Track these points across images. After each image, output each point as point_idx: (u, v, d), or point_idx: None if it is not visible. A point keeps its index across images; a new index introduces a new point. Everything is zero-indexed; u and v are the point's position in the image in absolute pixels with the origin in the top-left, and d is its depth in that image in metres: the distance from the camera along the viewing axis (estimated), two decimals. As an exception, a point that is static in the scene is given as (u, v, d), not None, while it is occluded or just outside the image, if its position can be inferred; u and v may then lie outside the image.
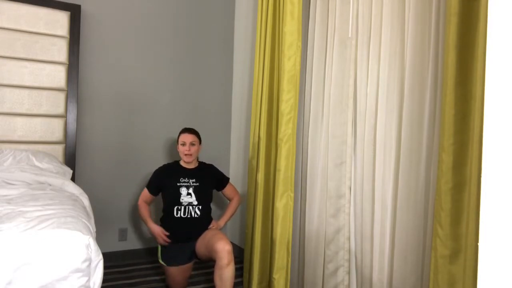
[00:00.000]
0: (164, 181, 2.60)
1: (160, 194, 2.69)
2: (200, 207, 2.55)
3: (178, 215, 2.52)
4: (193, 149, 2.59)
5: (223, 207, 3.50)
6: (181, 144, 2.60)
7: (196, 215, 2.53)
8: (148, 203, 2.70)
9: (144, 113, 3.26)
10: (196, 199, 2.55)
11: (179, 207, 2.52)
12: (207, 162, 2.88)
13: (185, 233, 2.54)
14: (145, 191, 2.68)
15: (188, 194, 2.54)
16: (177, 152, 2.68)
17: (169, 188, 2.57)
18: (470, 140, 1.52)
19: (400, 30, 1.97)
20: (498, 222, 0.64)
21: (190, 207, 2.53)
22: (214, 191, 2.78)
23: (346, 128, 2.31)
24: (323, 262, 2.39)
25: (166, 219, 2.59)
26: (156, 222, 2.66)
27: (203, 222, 2.58)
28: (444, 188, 1.57)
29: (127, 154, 3.20)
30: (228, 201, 2.83)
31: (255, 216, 2.65)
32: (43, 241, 1.39)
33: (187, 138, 2.59)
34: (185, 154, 2.58)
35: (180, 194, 2.53)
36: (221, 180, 2.75)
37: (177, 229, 2.54)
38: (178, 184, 2.55)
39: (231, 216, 2.75)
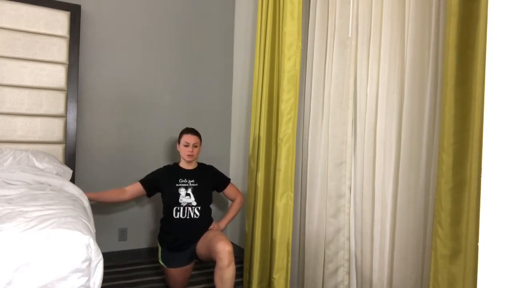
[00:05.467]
0: (162, 182, 2.59)
1: (160, 195, 2.67)
2: (200, 207, 2.54)
3: (177, 216, 2.51)
4: (195, 151, 2.60)
5: (224, 209, 3.50)
6: (184, 145, 2.59)
7: (195, 216, 2.53)
8: (128, 194, 2.59)
9: (144, 113, 3.26)
10: (195, 200, 2.54)
11: (178, 208, 2.52)
12: (207, 162, 2.89)
13: (185, 235, 2.52)
14: (136, 183, 2.61)
15: (187, 194, 2.54)
16: (177, 152, 2.68)
17: (168, 189, 2.56)
18: (470, 140, 1.52)
19: (400, 30, 1.97)
20: (498, 222, 0.64)
21: (189, 208, 2.52)
22: (215, 192, 2.77)
23: (346, 128, 2.31)
24: (323, 262, 2.39)
25: (165, 221, 2.59)
26: (156, 224, 2.63)
27: (203, 223, 2.57)
28: (444, 188, 1.57)
29: (127, 154, 3.20)
30: (231, 202, 2.82)
31: (255, 216, 2.64)
32: (43, 241, 1.39)
33: (191, 139, 2.59)
34: (188, 155, 2.58)
35: (179, 194, 2.53)
36: (221, 181, 2.74)
37: (177, 231, 2.53)
38: (177, 185, 2.55)
39: (232, 218, 2.74)
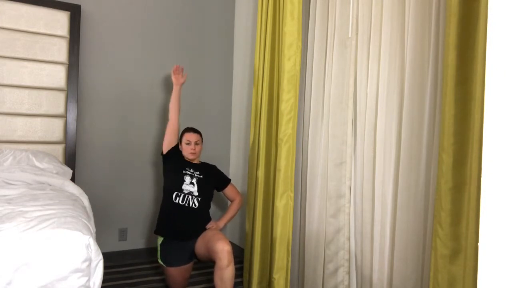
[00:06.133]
0: (175, 160, 2.64)
1: (163, 176, 2.70)
2: (200, 199, 2.56)
3: (177, 201, 2.53)
4: (198, 148, 2.66)
5: (224, 209, 3.50)
6: (185, 143, 2.64)
7: (194, 206, 2.54)
8: (176, 123, 2.70)
9: (144, 113, 3.26)
10: (198, 190, 2.57)
11: (179, 193, 2.54)
12: (207, 161, 2.89)
13: (182, 223, 2.52)
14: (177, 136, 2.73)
15: (191, 183, 2.57)
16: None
17: (173, 172, 2.59)
18: (470, 140, 1.52)
19: (400, 30, 1.97)
20: (498, 222, 0.64)
21: (190, 196, 2.54)
22: (215, 192, 2.78)
23: (346, 128, 2.31)
24: (323, 262, 2.39)
25: (164, 205, 2.60)
26: (156, 212, 2.63)
27: (201, 215, 2.57)
28: (444, 188, 1.57)
29: (127, 154, 3.20)
30: (230, 202, 2.83)
31: (255, 216, 2.65)
32: (43, 241, 1.39)
33: (192, 137, 2.65)
34: (190, 153, 2.61)
35: (183, 181, 2.56)
36: (222, 180, 2.77)
37: (174, 216, 2.52)
38: (184, 171, 2.58)
39: (231, 218, 2.75)
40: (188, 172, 2.59)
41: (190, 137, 2.64)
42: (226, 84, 3.64)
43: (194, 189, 2.56)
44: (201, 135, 2.71)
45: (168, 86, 3.35)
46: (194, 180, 2.58)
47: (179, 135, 2.72)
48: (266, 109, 2.66)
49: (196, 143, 2.64)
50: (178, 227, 2.53)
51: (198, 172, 2.62)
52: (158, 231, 2.59)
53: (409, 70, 1.89)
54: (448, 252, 1.57)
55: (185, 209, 2.52)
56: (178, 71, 2.82)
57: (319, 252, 2.41)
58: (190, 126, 2.83)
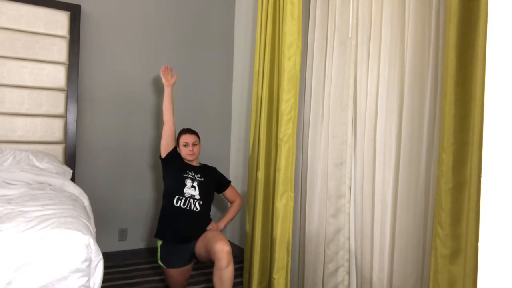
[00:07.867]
0: (176, 163, 2.62)
1: (163, 179, 2.69)
2: (201, 202, 2.55)
3: (178, 204, 2.52)
4: (196, 149, 2.63)
5: (223, 211, 3.50)
6: (183, 145, 2.61)
7: (195, 209, 2.53)
8: (172, 124, 2.66)
9: (144, 113, 3.26)
10: (199, 194, 2.56)
11: (180, 197, 2.53)
12: (207, 162, 2.89)
13: (184, 226, 2.52)
14: (174, 139, 2.69)
15: (192, 186, 2.56)
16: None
17: (174, 175, 2.58)
18: (470, 140, 1.52)
19: (400, 30, 1.97)
20: (498, 222, 0.64)
21: (191, 200, 2.53)
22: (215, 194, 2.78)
23: (346, 128, 2.31)
24: (323, 262, 2.39)
25: (165, 208, 2.59)
26: (156, 213, 2.64)
27: (202, 218, 2.57)
28: (444, 188, 1.57)
29: (127, 154, 3.20)
30: (230, 204, 2.83)
31: (255, 216, 2.65)
32: (43, 241, 1.39)
33: (189, 139, 2.61)
34: (189, 154, 2.59)
35: (184, 184, 2.54)
36: (223, 182, 2.76)
37: (176, 220, 2.52)
38: (184, 175, 2.57)
39: (231, 219, 2.74)
40: (189, 175, 2.58)
41: (187, 138, 2.61)
42: (226, 84, 3.64)
43: (196, 192, 2.55)
44: (198, 136, 2.67)
45: (168, 86, 3.35)
46: (195, 184, 2.56)
47: (176, 137, 2.71)
48: (266, 109, 2.66)
49: (194, 144, 2.61)
50: (179, 230, 2.52)
51: (199, 175, 2.60)
52: (158, 234, 2.58)
53: (409, 70, 1.89)
54: (448, 252, 1.57)
55: (187, 212, 2.52)
56: (167, 71, 2.77)
57: (319, 252, 2.41)
58: (190, 126, 2.83)
